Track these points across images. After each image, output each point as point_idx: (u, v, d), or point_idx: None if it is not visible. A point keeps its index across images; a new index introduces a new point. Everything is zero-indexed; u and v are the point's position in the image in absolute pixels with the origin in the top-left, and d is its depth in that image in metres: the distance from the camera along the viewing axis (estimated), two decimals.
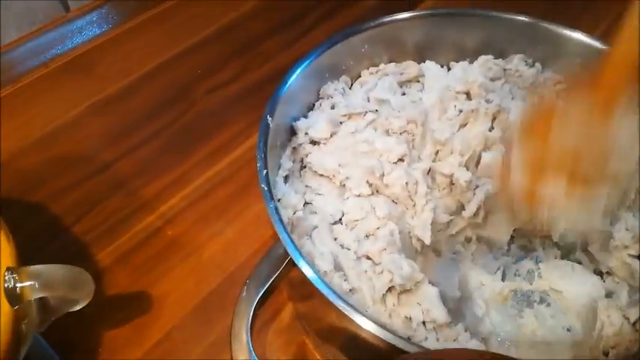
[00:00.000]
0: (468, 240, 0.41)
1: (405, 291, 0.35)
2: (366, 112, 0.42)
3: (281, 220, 0.32)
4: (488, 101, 0.43)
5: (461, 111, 0.43)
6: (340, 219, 0.39)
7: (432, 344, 0.33)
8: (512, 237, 0.42)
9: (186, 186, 0.49)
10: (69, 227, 0.46)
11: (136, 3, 0.65)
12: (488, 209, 0.40)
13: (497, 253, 0.42)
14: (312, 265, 0.31)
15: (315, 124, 0.41)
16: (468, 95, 0.44)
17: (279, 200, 0.38)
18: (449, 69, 0.47)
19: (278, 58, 0.60)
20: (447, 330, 0.34)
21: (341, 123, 0.42)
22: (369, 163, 0.39)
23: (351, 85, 0.46)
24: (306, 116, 0.43)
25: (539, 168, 0.29)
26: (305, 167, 0.42)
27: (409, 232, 0.39)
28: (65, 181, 0.49)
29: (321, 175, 0.40)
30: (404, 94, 0.46)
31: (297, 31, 0.63)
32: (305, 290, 0.34)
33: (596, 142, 0.27)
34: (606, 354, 0.34)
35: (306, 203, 0.40)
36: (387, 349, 0.29)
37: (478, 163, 0.41)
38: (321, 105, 0.44)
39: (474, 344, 0.34)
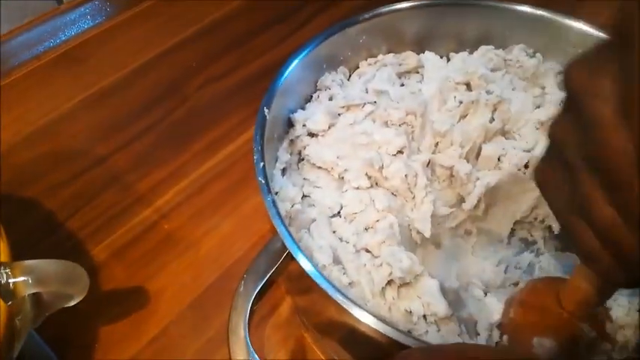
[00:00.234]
0: (468, 233, 0.41)
1: (404, 284, 0.34)
2: (365, 104, 0.42)
3: (279, 214, 0.32)
4: (488, 92, 0.42)
5: (461, 102, 0.42)
6: (339, 212, 0.39)
7: (432, 338, 0.33)
8: (512, 230, 0.41)
9: (182, 180, 0.49)
10: (63, 222, 0.45)
11: None
12: (488, 202, 0.40)
13: (498, 246, 0.41)
14: (310, 258, 0.30)
15: (312, 116, 0.41)
16: (468, 86, 0.43)
17: (276, 193, 0.37)
18: (448, 60, 0.47)
19: (273, 52, 0.59)
20: (448, 323, 0.34)
21: (339, 115, 0.42)
22: (368, 155, 0.38)
23: (349, 76, 0.46)
24: (303, 108, 0.42)
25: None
26: (303, 160, 0.41)
27: (409, 225, 0.38)
28: (59, 175, 0.48)
29: (319, 168, 0.40)
30: (403, 85, 0.45)
31: (292, 25, 0.62)
32: (303, 284, 0.34)
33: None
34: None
35: (304, 196, 0.40)
36: (387, 343, 0.28)
37: (478, 154, 0.41)
38: (318, 96, 0.43)
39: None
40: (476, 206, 0.39)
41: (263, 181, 0.33)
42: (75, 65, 0.57)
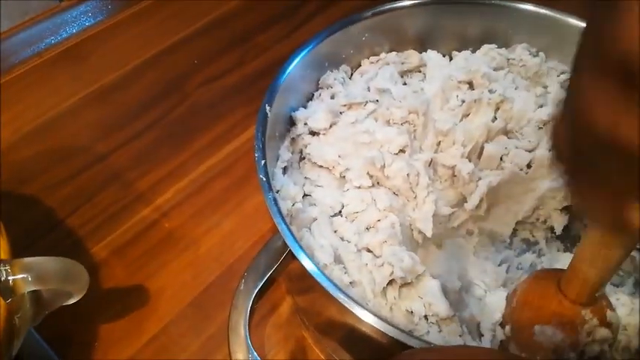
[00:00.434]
0: (470, 233, 0.41)
1: (406, 284, 0.34)
2: (367, 102, 0.42)
3: (280, 212, 0.31)
4: (491, 91, 0.42)
5: (463, 101, 0.42)
6: (340, 211, 0.38)
7: (434, 338, 0.33)
8: (514, 230, 0.41)
9: (182, 178, 0.48)
10: (63, 220, 0.45)
11: None
12: (490, 202, 0.40)
13: (500, 247, 0.41)
14: (311, 257, 0.30)
15: (314, 115, 0.40)
16: (471, 85, 0.43)
17: (277, 192, 0.37)
18: (451, 58, 0.46)
19: (275, 50, 0.59)
20: (449, 324, 0.33)
21: (341, 113, 0.42)
22: (370, 154, 0.38)
23: (351, 74, 0.45)
24: (305, 106, 0.42)
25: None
26: (304, 158, 0.41)
27: (410, 225, 0.38)
28: (59, 173, 0.48)
29: (321, 167, 0.40)
30: (405, 83, 0.45)
31: (294, 23, 0.62)
32: (304, 283, 0.34)
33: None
34: None
35: (305, 195, 0.39)
36: (389, 343, 0.28)
37: (481, 154, 0.41)
38: (320, 95, 0.43)
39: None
40: (478, 206, 0.39)
41: (264, 179, 0.33)
42: (75, 63, 0.57)
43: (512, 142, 0.41)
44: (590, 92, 0.19)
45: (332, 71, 0.44)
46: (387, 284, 0.34)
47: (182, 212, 0.46)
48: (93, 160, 0.49)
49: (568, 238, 0.41)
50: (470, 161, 0.40)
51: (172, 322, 0.40)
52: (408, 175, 0.38)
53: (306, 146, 0.41)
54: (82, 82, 0.55)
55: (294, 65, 0.40)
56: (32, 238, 0.44)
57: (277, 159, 0.39)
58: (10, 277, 0.29)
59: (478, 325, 0.35)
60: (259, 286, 0.31)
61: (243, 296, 0.31)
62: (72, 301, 0.33)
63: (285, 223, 0.31)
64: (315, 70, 0.42)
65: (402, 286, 0.34)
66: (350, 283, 0.35)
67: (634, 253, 0.37)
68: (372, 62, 0.45)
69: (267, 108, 0.37)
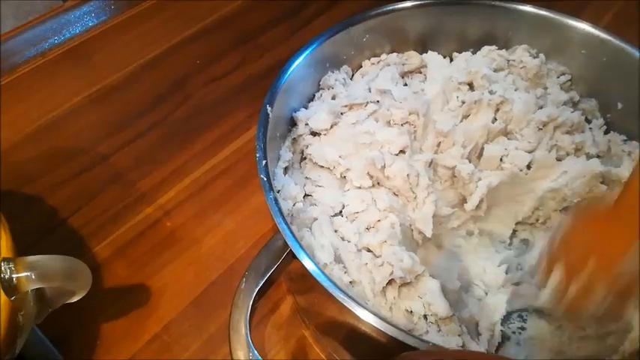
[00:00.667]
0: (470, 233, 0.41)
1: (405, 284, 0.34)
2: (368, 103, 0.42)
3: (280, 212, 0.32)
4: (491, 92, 0.42)
5: (463, 102, 0.42)
6: (341, 211, 0.39)
7: (433, 337, 0.33)
8: (514, 230, 0.41)
9: (184, 178, 0.49)
10: (66, 219, 0.46)
11: None
12: (490, 202, 0.40)
13: (500, 247, 0.41)
14: (312, 257, 0.30)
15: (315, 115, 0.41)
16: (471, 86, 0.43)
17: (278, 191, 0.37)
18: (451, 59, 0.47)
19: (277, 50, 0.59)
20: (448, 323, 0.33)
21: (342, 114, 0.42)
22: (370, 155, 0.38)
23: (352, 75, 0.46)
24: (306, 107, 0.42)
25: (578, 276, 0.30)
26: (305, 159, 0.41)
27: (410, 225, 0.38)
28: (63, 172, 0.48)
29: (322, 167, 0.40)
30: (406, 84, 0.45)
31: (297, 23, 0.62)
32: (305, 283, 0.34)
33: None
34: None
35: (306, 195, 0.40)
36: (388, 342, 0.28)
37: (480, 155, 0.41)
38: (321, 95, 0.43)
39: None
40: (478, 207, 0.39)
41: (265, 179, 0.33)
42: (78, 63, 0.57)
43: (512, 143, 0.41)
44: None
45: (333, 72, 0.44)
46: (387, 284, 0.34)
47: (184, 212, 0.47)
48: (96, 159, 0.50)
49: None
50: (470, 162, 0.40)
51: (174, 320, 0.41)
52: (408, 175, 0.38)
53: (307, 146, 0.41)
54: (85, 81, 0.55)
55: (296, 66, 0.40)
56: (35, 237, 0.44)
57: (278, 159, 0.39)
58: (14, 275, 0.29)
59: (477, 324, 0.35)
60: (260, 285, 0.32)
61: (244, 295, 0.31)
62: (75, 299, 0.33)
63: (286, 223, 0.31)
64: (316, 71, 0.43)
65: (401, 285, 0.34)
66: (350, 282, 0.35)
67: None
68: (372, 63, 0.46)
69: (269, 109, 0.37)
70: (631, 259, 0.28)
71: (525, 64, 0.44)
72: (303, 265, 0.30)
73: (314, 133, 0.41)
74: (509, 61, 0.45)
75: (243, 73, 0.57)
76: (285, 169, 0.40)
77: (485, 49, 0.45)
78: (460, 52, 0.46)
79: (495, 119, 0.42)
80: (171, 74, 0.57)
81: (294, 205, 0.37)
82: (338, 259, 0.36)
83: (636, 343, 0.32)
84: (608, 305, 0.28)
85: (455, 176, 0.40)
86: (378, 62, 0.45)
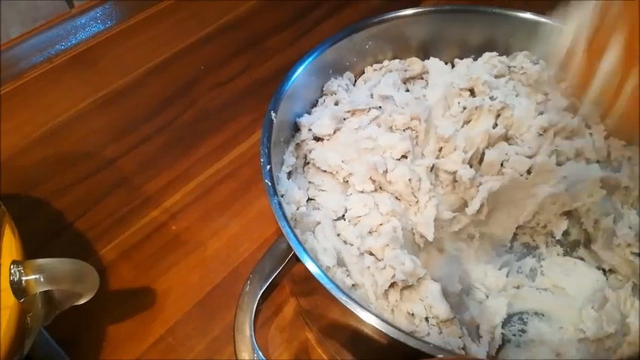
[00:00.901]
0: (471, 237, 0.41)
1: (407, 287, 0.35)
2: (370, 109, 0.42)
3: (284, 215, 0.32)
4: (492, 98, 0.43)
5: (465, 108, 0.43)
6: (343, 215, 0.39)
7: (434, 340, 0.33)
8: (515, 234, 0.42)
9: (189, 182, 0.49)
10: (73, 223, 0.46)
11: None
12: (491, 206, 0.40)
13: (501, 251, 0.42)
14: (315, 260, 0.31)
15: (318, 121, 0.41)
16: (472, 92, 0.44)
17: (282, 196, 0.38)
18: (453, 66, 0.47)
19: (282, 55, 0.60)
20: (449, 326, 0.34)
21: (344, 119, 0.42)
22: (373, 160, 0.39)
23: (355, 81, 0.46)
24: (309, 112, 0.43)
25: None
26: (308, 163, 0.42)
27: (412, 229, 0.39)
28: (69, 177, 0.49)
29: (325, 172, 0.41)
30: (408, 90, 0.46)
31: (301, 28, 0.63)
32: (308, 285, 0.34)
33: None
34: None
35: (309, 199, 0.40)
36: (390, 344, 0.29)
37: (481, 160, 0.41)
38: (324, 101, 0.44)
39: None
40: (479, 211, 0.39)
41: (269, 184, 0.34)
42: (85, 68, 0.58)
43: (512, 149, 0.41)
44: None
45: (336, 78, 0.44)
46: (389, 287, 0.35)
47: (189, 215, 0.47)
48: (102, 163, 0.50)
49: (568, 243, 0.42)
50: (471, 167, 0.40)
51: (179, 322, 0.41)
52: (410, 180, 0.38)
53: (310, 151, 0.41)
54: (92, 87, 0.56)
55: (299, 72, 0.40)
56: (42, 241, 0.45)
57: (282, 164, 0.40)
58: (23, 278, 0.30)
59: (477, 327, 0.36)
60: (264, 287, 0.32)
61: (248, 298, 0.32)
62: (82, 302, 0.33)
63: (290, 227, 0.32)
64: (319, 77, 0.43)
65: (403, 288, 0.35)
66: (352, 285, 0.35)
67: (632, 258, 0.38)
68: (375, 69, 0.46)
69: (273, 114, 0.37)
70: None
71: (526, 70, 0.44)
72: (306, 267, 0.30)
73: (317, 139, 0.42)
74: (509, 67, 0.45)
75: (248, 77, 0.58)
76: (289, 174, 0.40)
77: (486, 55, 0.46)
78: (461, 59, 0.47)
79: (496, 125, 0.42)
80: (176, 79, 0.57)
81: (297, 209, 0.38)
82: (341, 263, 0.36)
83: (634, 345, 0.33)
84: None
85: (456, 181, 0.40)
86: (381, 68, 0.46)
